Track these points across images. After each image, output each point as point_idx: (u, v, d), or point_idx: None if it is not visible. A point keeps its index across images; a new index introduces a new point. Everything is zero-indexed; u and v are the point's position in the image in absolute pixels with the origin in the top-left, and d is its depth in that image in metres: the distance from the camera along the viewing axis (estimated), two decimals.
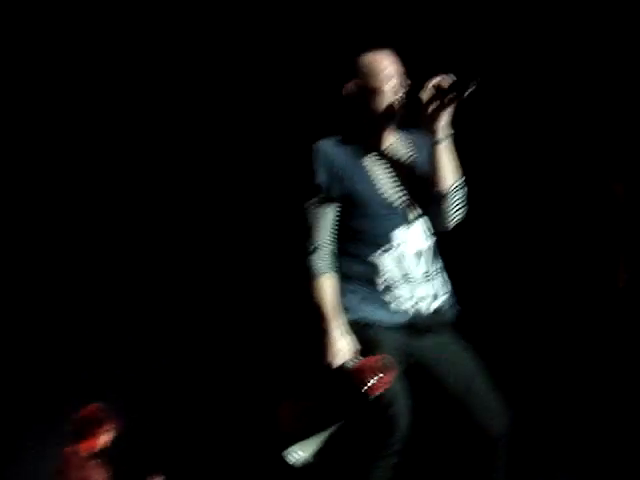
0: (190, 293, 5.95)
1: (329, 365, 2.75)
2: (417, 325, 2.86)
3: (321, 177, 2.89)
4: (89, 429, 4.84)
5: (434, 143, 2.87)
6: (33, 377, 5.60)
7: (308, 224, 2.90)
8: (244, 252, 5.82)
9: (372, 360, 2.66)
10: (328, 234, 2.89)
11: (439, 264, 2.98)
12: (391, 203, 2.89)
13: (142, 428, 5.53)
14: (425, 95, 2.83)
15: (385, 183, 2.92)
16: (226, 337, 5.93)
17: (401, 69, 2.96)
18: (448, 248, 3.01)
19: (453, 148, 2.89)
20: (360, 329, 2.81)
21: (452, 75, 2.80)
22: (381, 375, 2.63)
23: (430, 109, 2.83)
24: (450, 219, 2.94)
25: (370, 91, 2.91)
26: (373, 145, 2.97)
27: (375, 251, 2.87)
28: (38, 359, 5.64)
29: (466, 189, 2.94)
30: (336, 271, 2.88)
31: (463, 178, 2.93)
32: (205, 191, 5.84)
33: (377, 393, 2.62)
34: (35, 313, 5.70)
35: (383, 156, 2.96)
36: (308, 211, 2.91)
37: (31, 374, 5.59)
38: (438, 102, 2.82)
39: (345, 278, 2.88)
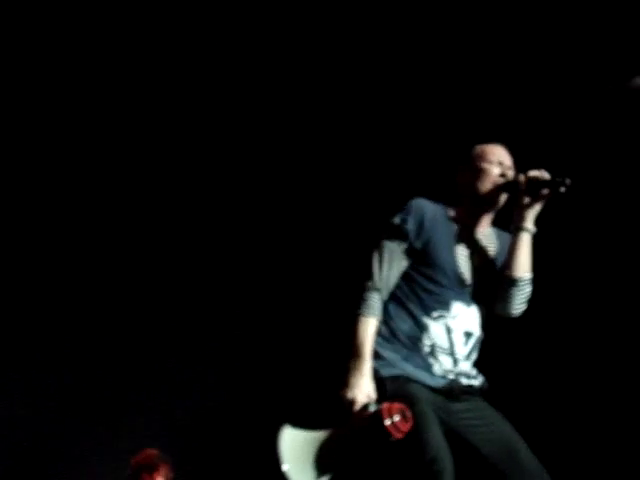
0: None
1: (351, 402, 2.78)
2: (454, 391, 2.93)
3: (410, 226, 2.99)
4: (146, 474, 4.98)
5: (518, 229, 2.98)
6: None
7: (377, 262, 2.97)
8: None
9: (395, 405, 2.69)
10: (392, 281, 2.97)
11: (476, 356, 3.06)
12: (461, 278, 2.99)
13: (196, 474, 5.66)
14: (523, 183, 2.95)
15: (463, 260, 3.03)
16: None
17: (511, 162, 3.10)
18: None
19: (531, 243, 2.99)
20: (400, 384, 2.87)
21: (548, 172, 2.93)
22: (400, 418, 2.66)
23: (525, 197, 2.96)
24: (514, 307, 3.03)
25: (478, 170, 3.06)
26: (465, 224, 3.09)
27: (430, 314, 2.95)
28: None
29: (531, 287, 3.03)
30: (382, 319, 2.95)
31: (531, 275, 3.01)
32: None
33: (396, 437, 2.64)
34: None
35: (470, 237, 3.08)
36: (382, 250, 2.98)
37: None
38: (533, 193, 2.94)
39: (392, 333, 2.95)
